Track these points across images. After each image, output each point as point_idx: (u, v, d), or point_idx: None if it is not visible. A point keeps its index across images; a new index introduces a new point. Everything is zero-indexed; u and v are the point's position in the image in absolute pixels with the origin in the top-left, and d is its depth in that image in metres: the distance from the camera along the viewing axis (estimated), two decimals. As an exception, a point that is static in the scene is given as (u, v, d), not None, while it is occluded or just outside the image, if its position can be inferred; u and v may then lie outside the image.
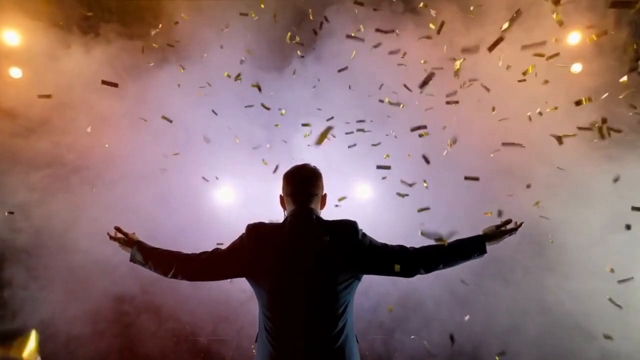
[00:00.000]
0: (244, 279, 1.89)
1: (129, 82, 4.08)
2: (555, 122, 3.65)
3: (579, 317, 3.68)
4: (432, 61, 3.87)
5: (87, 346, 3.97)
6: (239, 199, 4.41)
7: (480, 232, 1.99)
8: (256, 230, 1.86)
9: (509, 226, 1.97)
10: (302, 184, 1.92)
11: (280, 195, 2.01)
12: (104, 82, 3.33)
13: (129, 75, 4.11)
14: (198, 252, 1.93)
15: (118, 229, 2.07)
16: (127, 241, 2.05)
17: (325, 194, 1.99)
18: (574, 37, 4.00)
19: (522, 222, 1.98)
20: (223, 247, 1.93)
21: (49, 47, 3.97)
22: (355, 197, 4.41)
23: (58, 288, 3.87)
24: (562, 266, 3.81)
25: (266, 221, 1.91)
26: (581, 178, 3.74)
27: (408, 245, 1.91)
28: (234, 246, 1.89)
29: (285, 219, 1.91)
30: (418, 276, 1.91)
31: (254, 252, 1.81)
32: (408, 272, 1.87)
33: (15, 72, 4.05)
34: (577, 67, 4.12)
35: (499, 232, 1.96)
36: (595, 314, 3.57)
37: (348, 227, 1.86)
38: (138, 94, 4.10)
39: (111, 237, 2.07)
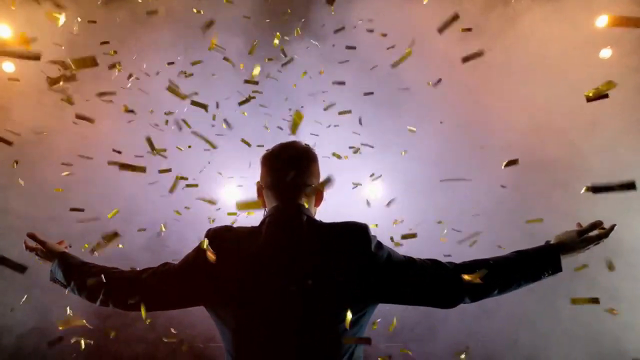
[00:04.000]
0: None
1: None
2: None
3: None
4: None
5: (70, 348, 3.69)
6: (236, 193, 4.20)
7: (552, 241, 1.35)
8: (219, 238, 1.26)
9: (592, 233, 1.33)
10: (289, 170, 1.31)
11: (258, 183, 1.40)
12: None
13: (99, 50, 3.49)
14: (141, 269, 1.34)
15: (32, 236, 1.48)
16: (47, 253, 1.46)
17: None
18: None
19: (614, 225, 1.33)
20: (176, 262, 1.33)
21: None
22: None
23: (36, 287, 3.59)
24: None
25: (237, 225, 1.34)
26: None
27: (444, 261, 1.27)
28: (187, 261, 1.29)
29: (263, 221, 1.31)
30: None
31: (214, 269, 1.21)
32: (447, 301, 1.25)
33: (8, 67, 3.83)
34: (606, 53, 3.84)
35: (581, 241, 1.32)
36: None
37: (356, 234, 1.25)
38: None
39: (27, 247, 1.49)
